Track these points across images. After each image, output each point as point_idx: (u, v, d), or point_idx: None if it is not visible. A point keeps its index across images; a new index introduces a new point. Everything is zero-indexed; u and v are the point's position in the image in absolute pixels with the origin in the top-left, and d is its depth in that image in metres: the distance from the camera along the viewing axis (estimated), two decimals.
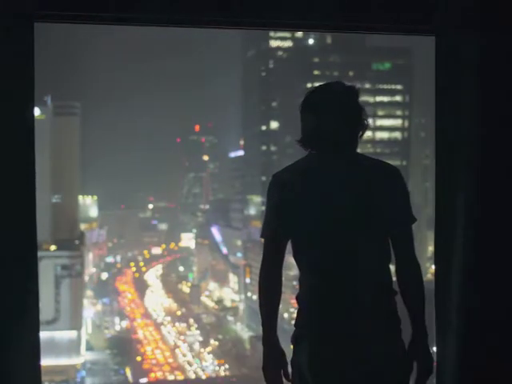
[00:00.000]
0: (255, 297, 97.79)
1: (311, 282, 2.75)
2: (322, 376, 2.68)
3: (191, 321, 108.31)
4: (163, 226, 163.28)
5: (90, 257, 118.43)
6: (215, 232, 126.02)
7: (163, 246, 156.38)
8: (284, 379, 2.76)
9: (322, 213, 2.71)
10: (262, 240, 2.82)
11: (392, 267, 2.79)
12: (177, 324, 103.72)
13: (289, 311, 75.98)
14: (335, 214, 2.71)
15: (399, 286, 2.79)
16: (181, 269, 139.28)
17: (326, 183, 2.74)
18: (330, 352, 2.68)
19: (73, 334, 79.42)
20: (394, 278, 2.79)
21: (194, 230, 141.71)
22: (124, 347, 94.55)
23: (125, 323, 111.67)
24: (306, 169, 2.79)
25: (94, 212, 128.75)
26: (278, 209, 2.77)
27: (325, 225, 2.71)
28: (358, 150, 2.85)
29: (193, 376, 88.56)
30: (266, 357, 2.76)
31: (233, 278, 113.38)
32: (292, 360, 2.78)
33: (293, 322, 2.83)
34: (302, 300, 2.79)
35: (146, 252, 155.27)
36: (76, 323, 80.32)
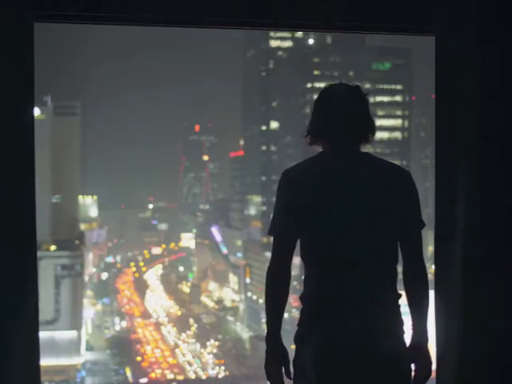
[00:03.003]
0: (255, 297, 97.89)
1: (317, 281, 2.75)
2: (326, 375, 2.69)
3: (191, 321, 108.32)
4: (163, 226, 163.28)
5: (90, 257, 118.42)
6: (215, 232, 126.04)
7: (163, 246, 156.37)
8: (285, 378, 2.76)
9: (332, 212, 2.71)
10: (263, 240, 2.82)
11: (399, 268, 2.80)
12: (183, 335, 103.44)
13: (290, 311, 76.00)
14: (345, 214, 2.71)
15: (405, 288, 2.80)
16: (181, 269, 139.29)
17: (336, 183, 2.74)
18: (334, 351, 2.68)
19: (73, 333, 79.45)
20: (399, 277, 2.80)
21: (194, 230, 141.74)
22: (124, 347, 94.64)
23: (125, 323, 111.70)
24: (317, 167, 2.80)
25: (94, 212, 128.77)
26: (289, 207, 2.76)
27: (334, 224, 2.71)
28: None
29: (193, 376, 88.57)
30: (268, 354, 2.77)
31: (233, 278, 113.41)
32: (294, 360, 2.78)
33: (293, 322, 2.84)
34: (307, 300, 2.79)
35: (146, 252, 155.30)
36: (76, 323, 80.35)
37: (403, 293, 2.80)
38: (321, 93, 2.87)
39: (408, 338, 2.76)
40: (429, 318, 2.80)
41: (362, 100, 2.83)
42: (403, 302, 2.79)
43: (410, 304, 2.79)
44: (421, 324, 2.77)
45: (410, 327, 2.78)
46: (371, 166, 2.79)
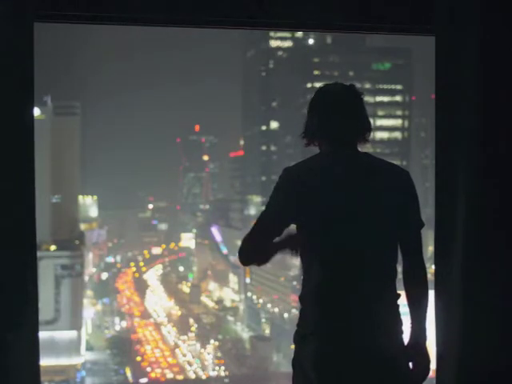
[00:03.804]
0: (255, 297, 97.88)
1: (316, 281, 2.75)
2: (326, 375, 2.69)
3: (191, 321, 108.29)
4: (163, 226, 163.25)
5: (90, 257, 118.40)
6: (215, 232, 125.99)
7: (163, 246, 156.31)
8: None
9: (331, 212, 2.72)
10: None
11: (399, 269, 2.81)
12: (183, 337, 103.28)
13: (290, 312, 75.93)
14: (344, 214, 2.71)
15: (404, 288, 2.80)
16: (181, 269, 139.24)
17: (336, 182, 2.74)
18: (334, 351, 2.68)
19: (73, 334, 79.44)
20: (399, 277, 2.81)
21: (194, 230, 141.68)
22: (124, 347, 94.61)
23: (125, 323, 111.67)
24: (316, 167, 2.79)
25: (94, 212, 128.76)
26: (286, 203, 2.75)
27: (333, 224, 2.72)
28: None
29: (193, 376, 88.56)
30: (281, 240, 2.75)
31: (233, 278, 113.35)
32: (294, 359, 2.78)
33: (293, 322, 2.84)
34: (307, 300, 2.79)
35: (146, 252, 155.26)
36: (76, 323, 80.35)
37: (402, 293, 2.81)
38: (316, 93, 2.87)
39: (407, 337, 2.77)
40: (429, 317, 2.80)
41: (358, 99, 2.83)
42: (403, 302, 2.79)
43: (410, 304, 2.80)
44: (420, 323, 2.77)
45: (409, 326, 2.79)
46: (370, 165, 2.79)
